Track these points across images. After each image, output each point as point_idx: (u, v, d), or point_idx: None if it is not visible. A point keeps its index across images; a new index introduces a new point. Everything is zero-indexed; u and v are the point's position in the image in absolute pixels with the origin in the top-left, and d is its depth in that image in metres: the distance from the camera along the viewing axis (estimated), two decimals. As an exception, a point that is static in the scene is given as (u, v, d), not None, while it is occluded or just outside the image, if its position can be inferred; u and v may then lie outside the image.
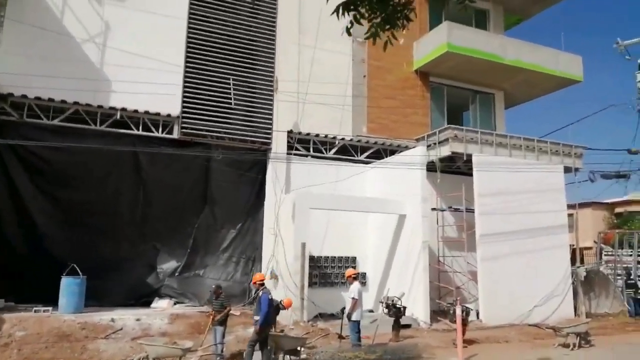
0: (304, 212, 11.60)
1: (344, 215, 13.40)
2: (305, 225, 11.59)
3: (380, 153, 14.69)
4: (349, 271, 9.70)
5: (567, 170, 15.30)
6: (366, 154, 14.60)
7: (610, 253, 18.88)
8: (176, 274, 13.18)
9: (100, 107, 11.65)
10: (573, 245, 15.90)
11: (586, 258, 22.44)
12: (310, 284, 12.81)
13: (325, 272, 13.48)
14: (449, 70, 15.48)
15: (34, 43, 11.28)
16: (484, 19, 17.22)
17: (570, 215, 38.33)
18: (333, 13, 3.89)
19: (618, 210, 34.69)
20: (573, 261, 15.05)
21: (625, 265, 17.58)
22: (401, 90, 15.38)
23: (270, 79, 13.37)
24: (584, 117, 32.77)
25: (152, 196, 12.94)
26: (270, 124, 13.25)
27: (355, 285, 9.23)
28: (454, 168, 14.67)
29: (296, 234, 11.42)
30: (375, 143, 14.65)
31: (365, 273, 13.85)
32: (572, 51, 16.88)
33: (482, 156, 13.63)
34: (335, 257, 13.65)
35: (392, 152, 14.58)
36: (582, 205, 34.47)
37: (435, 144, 14.28)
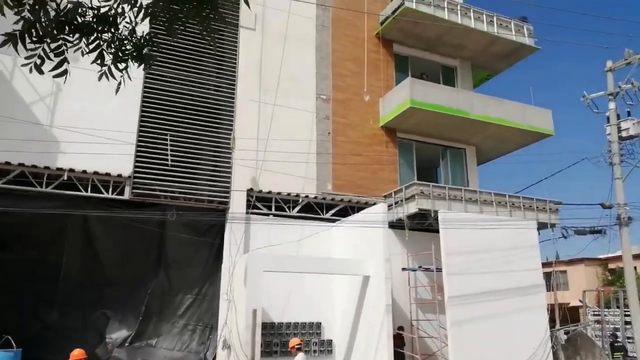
0: (257, 276, 10.90)
1: (307, 278, 12.69)
2: (258, 290, 10.85)
3: (348, 211, 14.18)
4: (292, 341, 8.95)
5: (543, 226, 14.76)
6: (332, 211, 14.08)
7: (597, 313, 17.95)
8: (126, 344, 12.28)
9: (47, 168, 11.25)
10: (566, 304, 15.08)
11: (582, 318, 21.41)
12: (270, 354, 11.96)
13: (286, 339, 12.56)
14: (415, 126, 15.28)
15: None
16: (452, 76, 17.25)
17: (562, 272, 37.32)
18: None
19: (611, 266, 33.80)
20: (564, 322, 14.20)
21: (613, 326, 16.65)
22: (368, 146, 15.08)
23: (228, 137, 13.07)
24: (557, 171, 32.62)
25: (102, 260, 12.26)
26: (229, 182, 12.82)
27: (300, 356, 8.43)
28: (426, 225, 14.12)
29: (248, 300, 10.68)
30: (342, 200, 14.18)
31: (331, 340, 12.94)
32: (545, 105, 16.83)
33: (449, 213, 13.10)
34: (298, 323, 12.78)
35: (360, 210, 14.04)
36: (574, 261, 33.69)
37: (402, 200, 13.84)
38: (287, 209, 13.55)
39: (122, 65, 3.50)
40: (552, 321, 14.91)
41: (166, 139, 12.30)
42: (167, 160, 12.17)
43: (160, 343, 12.53)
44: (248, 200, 13.02)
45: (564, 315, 16.09)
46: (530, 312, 12.93)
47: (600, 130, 14.75)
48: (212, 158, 12.90)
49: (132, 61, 3.53)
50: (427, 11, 15.09)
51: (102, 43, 3.31)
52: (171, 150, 12.35)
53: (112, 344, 12.16)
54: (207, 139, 12.93)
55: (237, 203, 12.77)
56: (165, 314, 12.63)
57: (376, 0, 16.15)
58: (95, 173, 11.60)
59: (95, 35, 3.26)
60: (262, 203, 13.31)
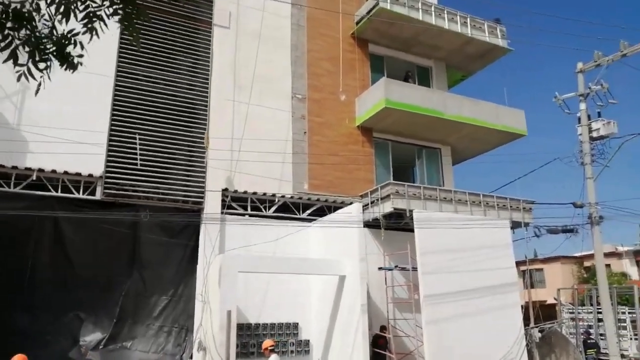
0: (231, 276, 10.79)
1: (284, 278, 12.61)
2: (232, 291, 10.74)
3: (324, 210, 14.15)
4: (266, 343, 8.89)
5: (516, 225, 14.97)
6: (308, 211, 14.03)
7: (572, 310, 18.26)
8: (100, 346, 12.04)
9: (14, 167, 10.96)
10: (543, 301, 15.28)
11: (558, 316, 21.78)
12: (247, 355, 11.87)
13: (263, 340, 12.45)
14: (391, 125, 15.35)
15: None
16: (427, 76, 17.38)
17: (539, 270, 37.90)
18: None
19: (587, 264, 34.50)
20: (539, 320, 14.40)
21: (587, 324, 16.95)
22: (344, 146, 15.09)
23: (202, 136, 12.93)
24: (530, 171, 33.17)
25: (74, 261, 11.98)
26: (203, 182, 12.68)
27: (273, 358, 8.37)
28: (401, 225, 14.18)
29: (222, 301, 10.56)
30: (318, 200, 14.14)
31: (308, 340, 12.89)
32: (519, 106, 17.06)
33: (423, 212, 13.19)
34: (275, 324, 12.69)
35: (337, 209, 14.02)
36: (551, 259, 34.30)
37: (378, 200, 13.88)
38: (263, 209, 13.46)
39: (42, 65, 3.33)
40: (527, 319, 15.13)
41: (139, 138, 12.10)
42: (140, 159, 11.98)
43: (135, 345, 12.33)
44: (223, 200, 12.89)
45: (538, 314, 16.31)
46: (505, 310, 13.09)
47: (572, 131, 15.00)
48: (186, 157, 12.75)
49: (56, 61, 3.34)
50: (401, 12, 15.17)
51: (15, 41, 3.08)
52: (144, 150, 12.16)
53: (86, 347, 11.90)
54: (181, 138, 12.77)
55: (212, 203, 12.64)
56: (140, 315, 12.42)
57: (351, 2, 16.17)
58: (66, 173, 11.35)
59: (5, 32, 3.05)
60: (238, 203, 13.20)
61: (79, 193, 11.53)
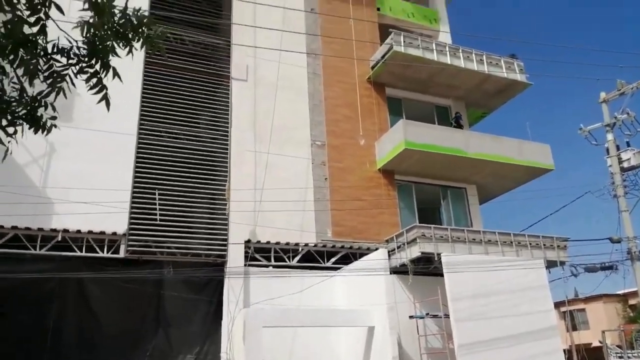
0: (256, 332, 10.47)
1: (311, 331, 12.20)
2: (257, 347, 10.40)
3: (349, 257, 13.82)
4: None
5: (552, 264, 14.30)
6: (333, 259, 13.72)
7: (620, 354, 17.10)
8: (127, 407, 11.73)
9: (40, 229, 11.08)
10: (587, 344, 14.38)
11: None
12: (275, 414, 11.38)
13: (292, 397, 11.97)
14: (413, 167, 15.12)
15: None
16: (446, 115, 17.24)
17: (581, 310, 35.85)
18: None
19: (632, 301, 32.56)
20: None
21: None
22: (366, 190, 14.88)
23: (224, 188, 12.93)
24: (562, 206, 31.93)
25: (99, 322, 11.83)
26: (225, 235, 12.58)
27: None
28: (431, 269, 13.70)
29: (247, 358, 10.20)
30: (342, 247, 13.84)
31: (339, 396, 12.31)
32: (543, 140, 16.70)
33: (453, 256, 12.72)
34: (303, 379, 12.20)
35: (362, 256, 13.72)
36: (592, 298, 32.52)
37: (404, 244, 13.47)
38: (286, 259, 13.22)
39: (11, 130, 3.21)
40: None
41: (161, 194, 12.16)
42: (162, 215, 11.99)
43: (162, 406, 11.96)
44: (246, 252, 12.72)
45: (584, 358, 15.29)
46: (546, 357, 12.31)
47: (601, 162, 14.51)
48: (208, 211, 12.74)
49: (26, 125, 3.21)
50: (416, 54, 15.23)
51: None
52: (167, 205, 12.20)
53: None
54: (203, 191, 12.81)
55: (235, 256, 12.47)
56: (166, 375, 12.11)
57: (365, 45, 16.36)
58: (90, 232, 11.41)
59: None
60: (261, 254, 13.00)
61: (103, 252, 11.54)
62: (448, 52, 15.88)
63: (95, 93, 3.10)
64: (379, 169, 15.24)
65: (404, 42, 15.27)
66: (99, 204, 10.99)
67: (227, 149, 13.47)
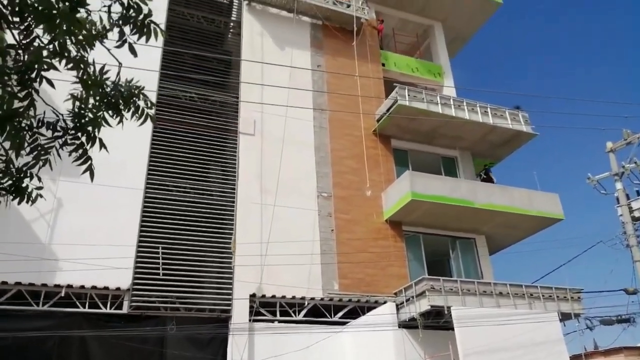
0: (259, 392, 10.13)
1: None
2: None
3: (357, 311, 13.51)
4: None
5: (566, 317, 13.83)
6: (340, 313, 13.41)
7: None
8: None
9: (44, 285, 11.05)
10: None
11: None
12: None
13: None
14: (420, 218, 15.01)
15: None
16: (453, 166, 17.27)
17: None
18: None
19: (656, 355, 31.17)
20: None
21: None
22: (373, 241, 14.73)
23: (229, 242, 12.91)
24: (573, 257, 31.19)
25: (101, 380, 11.61)
26: (230, 289, 12.43)
27: None
28: (441, 323, 13.32)
29: (250, 420, 9.82)
30: (350, 301, 13.56)
31: None
32: (551, 189, 16.58)
33: (463, 309, 12.38)
34: None
35: (370, 309, 13.40)
36: (612, 351, 31.15)
37: (413, 297, 13.17)
38: (292, 314, 12.96)
39: None
40: None
41: (166, 249, 12.16)
42: (166, 270, 11.94)
43: None
44: (251, 307, 12.51)
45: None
46: (565, 417, 11.69)
47: (611, 211, 14.31)
48: (213, 265, 12.67)
49: (8, 196, 3.24)
50: (420, 107, 15.46)
51: None
52: (171, 259, 12.17)
53: None
54: (208, 245, 12.78)
55: (240, 310, 12.26)
56: None
57: (371, 99, 16.66)
58: (94, 287, 11.35)
59: None
60: (266, 309, 12.77)
61: (106, 308, 11.42)
62: (452, 105, 16.09)
63: (80, 164, 3.16)
64: (386, 220, 15.15)
65: (409, 95, 15.54)
66: (104, 259, 10.98)
67: (233, 202, 13.54)
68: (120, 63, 3.18)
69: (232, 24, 17.20)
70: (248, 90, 15.02)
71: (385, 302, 13.22)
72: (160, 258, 11.89)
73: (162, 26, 15.18)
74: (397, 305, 13.11)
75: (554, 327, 12.93)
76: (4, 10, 2.58)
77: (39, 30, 2.73)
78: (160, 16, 14.80)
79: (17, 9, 2.57)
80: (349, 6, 17.68)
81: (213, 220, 13.18)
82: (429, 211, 14.74)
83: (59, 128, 3.04)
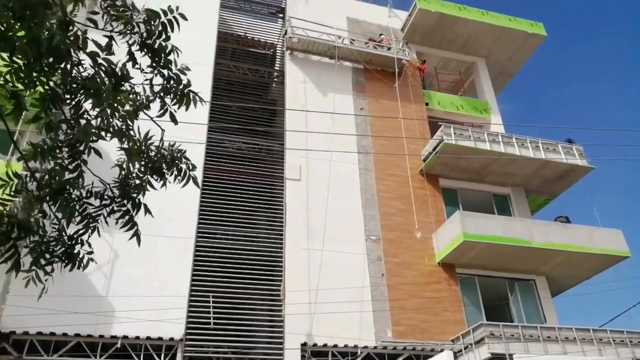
0: None
1: None
2: None
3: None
4: None
5: (644, 363, 12.73)
6: (395, 363, 12.92)
7: None
8: None
9: (101, 336, 11.30)
10: None
11: None
12: None
13: None
14: (475, 259, 14.46)
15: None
16: (506, 204, 16.69)
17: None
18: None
19: None
20: None
21: None
22: (426, 285, 14.25)
23: (279, 289, 12.86)
24: None
25: None
26: (282, 338, 12.28)
27: None
28: (504, 371, 12.56)
29: None
30: (404, 349, 13.05)
31: None
32: (615, 225, 15.66)
33: (526, 357, 11.65)
34: None
35: (427, 358, 12.85)
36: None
37: (471, 344, 12.54)
38: (345, 363, 12.59)
39: (49, 269, 3.34)
40: None
41: (217, 297, 12.25)
42: (219, 319, 11.99)
43: None
44: (302, 356, 12.27)
45: None
46: None
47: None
48: (263, 313, 12.64)
49: (61, 263, 3.35)
50: (467, 144, 15.18)
51: (21, 249, 3.10)
52: (222, 308, 12.23)
53: None
54: (258, 293, 12.81)
55: (291, 360, 12.05)
56: None
57: (417, 140, 16.53)
58: (148, 338, 11.49)
59: (11, 243, 3.04)
60: (318, 358, 12.48)
61: (160, 358, 11.51)
62: (501, 141, 15.72)
63: (127, 230, 3.26)
64: (439, 263, 14.68)
65: (455, 134, 15.33)
66: (158, 310, 11.15)
67: (282, 248, 13.57)
68: (163, 130, 3.31)
69: (275, 73, 17.79)
70: (293, 136, 15.29)
71: (442, 350, 12.64)
72: (212, 308, 11.96)
73: (209, 79, 15.80)
74: (455, 354, 12.52)
75: (629, 376, 11.91)
76: (57, 89, 2.77)
77: (87, 105, 2.91)
78: (207, 70, 15.53)
79: (68, 87, 2.75)
80: (389, 49, 17.91)
81: (262, 268, 13.24)
82: (483, 252, 14.19)
83: (106, 197, 3.17)
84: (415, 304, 13.80)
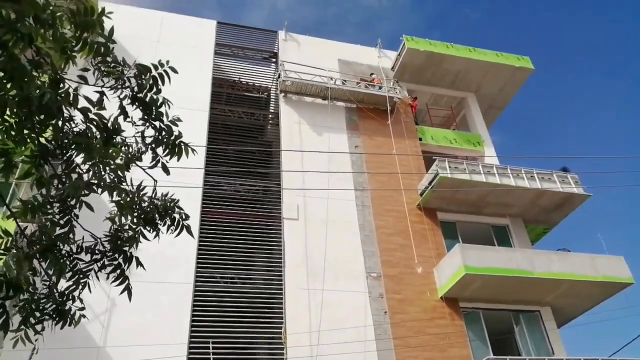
0: None
1: None
2: None
3: (420, 400, 12.64)
4: None
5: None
6: (402, 403, 12.57)
7: None
8: None
9: (99, 388, 11.05)
10: None
11: None
12: None
13: None
14: (478, 292, 14.28)
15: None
16: (505, 235, 16.63)
17: None
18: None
19: None
20: None
21: None
22: (430, 321, 14.02)
23: (279, 332, 12.64)
24: None
25: None
26: (284, 383, 11.99)
27: None
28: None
29: None
30: (411, 389, 12.73)
31: None
32: (617, 251, 15.54)
33: (536, 392, 11.35)
34: None
35: (434, 397, 12.52)
36: None
37: (479, 381, 12.26)
38: (351, 407, 12.24)
39: (39, 327, 3.29)
40: None
41: (217, 343, 12.02)
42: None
43: None
44: (307, 401, 11.95)
45: None
46: None
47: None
48: (264, 357, 12.36)
49: (52, 320, 3.29)
50: (463, 177, 15.26)
51: (9, 309, 3.03)
52: (223, 354, 11.97)
53: None
54: (259, 337, 12.58)
55: (295, 406, 11.73)
56: None
57: (412, 175, 16.64)
58: (147, 387, 11.21)
59: None
60: (323, 402, 12.15)
61: (160, 406, 11.19)
62: (496, 172, 15.82)
63: (118, 285, 3.25)
64: (441, 298, 14.49)
65: (449, 167, 15.44)
66: (158, 359, 10.92)
67: (281, 290, 13.43)
68: (155, 180, 3.35)
69: (270, 115, 18.06)
70: (290, 176, 15.38)
71: (449, 388, 12.34)
72: (212, 354, 11.72)
73: (205, 124, 15.97)
74: (462, 391, 12.22)
75: (642, 407, 11.60)
76: (48, 145, 2.83)
77: (78, 159, 2.95)
78: (203, 115, 15.78)
79: (59, 143, 2.81)
80: (380, 87, 18.28)
81: (262, 310, 13.06)
82: (486, 284, 14.04)
83: (97, 251, 3.18)
84: (420, 341, 13.55)
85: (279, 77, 17.56)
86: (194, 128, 14.51)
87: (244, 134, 16.83)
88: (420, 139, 18.26)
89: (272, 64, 19.30)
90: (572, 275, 14.18)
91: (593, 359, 12.70)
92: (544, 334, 14.86)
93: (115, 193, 3.05)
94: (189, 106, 14.75)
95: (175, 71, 3.31)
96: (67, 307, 3.39)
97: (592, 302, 15.31)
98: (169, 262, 12.56)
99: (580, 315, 15.95)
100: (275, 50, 19.26)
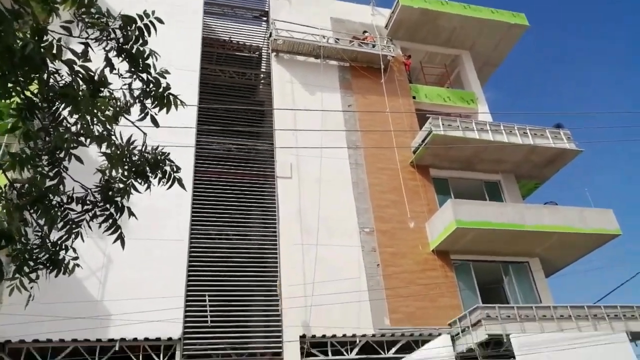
0: None
1: None
2: None
3: (411, 346, 13.21)
4: None
5: (637, 336, 13.00)
6: (394, 349, 13.13)
7: None
8: None
9: (99, 340, 11.41)
10: None
11: None
12: None
13: None
14: (469, 245, 14.67)
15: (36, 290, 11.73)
16: (497, 190, 16.90)
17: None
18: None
19: None
20: None
21: None
22: (421, 273, 14.46)
23: (275, 284, 13.06)
24: (637, 272, 29.15)
25: None
26: (280, 332, 12.48)
27: None
28: (501, 352, 12.78)
29: None
30: (402, 335, 13.28)
31: None
32: (610, 205, 15.86)
33: (523, 336, 11.87)
34: None
35: (425, 342, 13.05)
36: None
37: (468, 327, 12.75)
38: (344, 352, 12.80)
39: (34, 276, 3.35)
40: None
41: (213, 296, 12.44)
42: (215, 317, 12.17)
43: None
44: (302, 348, 12.47)
45: None
46: None
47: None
48: (261, 309, 12.83)
49: (46, 270, 3.44)
50: (456, 134, 15.35)
51: (1, 258, 3.12)
52: (220, 306, 12.41)
53: None
54: (255, 289, 13.00)
55: (291, 353, 12.23)
56: None
57: (406, 133, 16.72)
58: (146, 339, 11.63)
59: None
60: (318, 349, 12.69)
61: (159, 358, 11.69)
62: (489, 129, 15.91)
63: (111, 234, 3.40)
64: (433, 251, 14.89)
65: (443, 125, 15.50)
66: (155, 312, 11.30)
67: (276, 245, 13.75)
68: (145, 133, 3.46)
69: (262, 75, 17.94)
70: (283, 135, 15.45)
71: (439, 335, 12.86)
72: (208, 306, 12.14)
73: (196, 84, 15.85)
74: (452, 337, 12.75)
75: (623, 348, 12.16)
76: (35, 99, 2.92)
77: (65, 112, 3.05)
78: (193, 75, 15.67)
79: (45, 96, 2.90)
80: (374, 46, 18.09)
81: (257, 265, 13.41)
82: (477, 238, 14.41)
83: (88, 202, 3.31)
84: (412, 292, 14.02)
85: (270, 35, 17.35)
86: (184, 87, 14.37)
87: (235, 94, 16.78)
88: (414, 97, 18.24)
89: (263, 23, 19.01)
90: (562, 228, 14.53)
91: (579, 305, 13.14)
92: (532, 284, 15.37)
93: (104, 145, 3.15)
94: (179, 66, 14.65)
95: (161, 22, 3.28)
96: (60, 257, 3.47)
97: (579, 253, 15.77)
98: (163, 220, 12.82)
99: (567, 265, 16.45)
100: (266, 9, 18.93)
